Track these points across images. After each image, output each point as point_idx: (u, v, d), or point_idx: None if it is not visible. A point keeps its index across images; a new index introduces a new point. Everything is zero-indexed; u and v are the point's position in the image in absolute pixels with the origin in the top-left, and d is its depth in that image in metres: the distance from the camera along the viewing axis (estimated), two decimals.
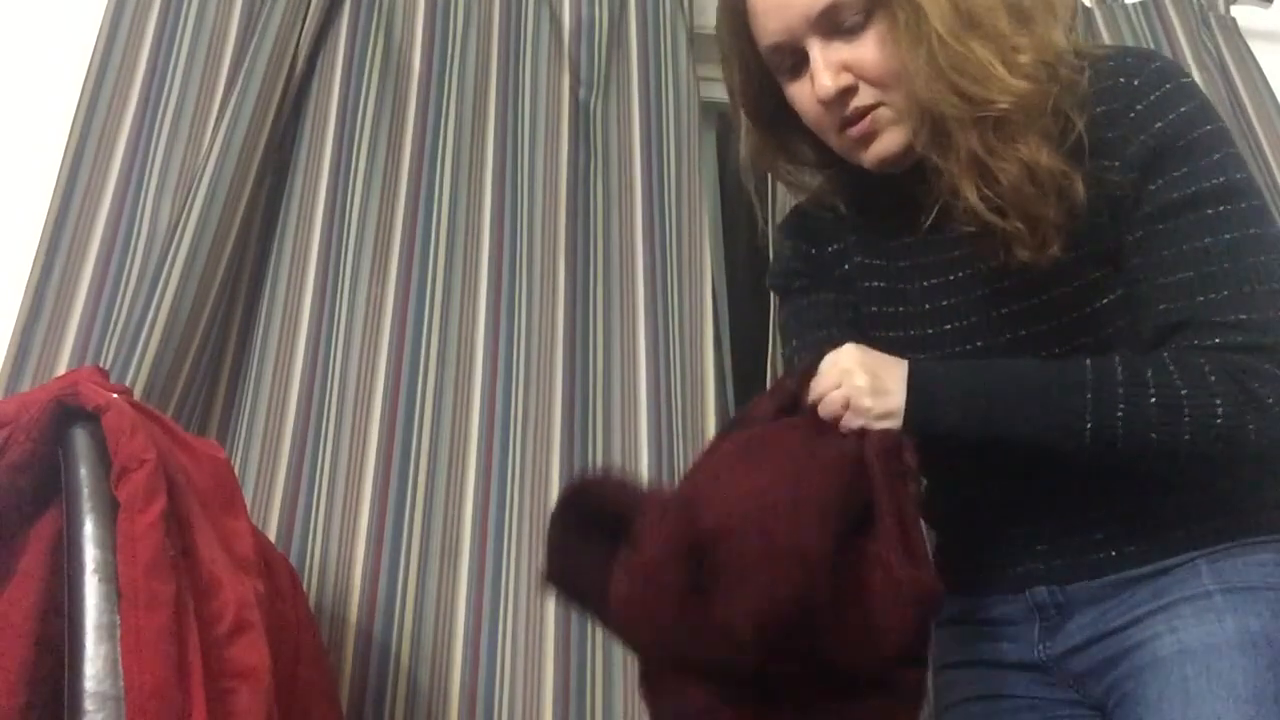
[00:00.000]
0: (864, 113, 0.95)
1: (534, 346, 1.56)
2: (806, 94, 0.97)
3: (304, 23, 1.68)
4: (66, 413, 0.92)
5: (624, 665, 1.39)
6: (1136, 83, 0.93)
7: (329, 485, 1.44)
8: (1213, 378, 0.86)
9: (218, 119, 1.59)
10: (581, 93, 1.76)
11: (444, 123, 1.70)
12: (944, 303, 1.02)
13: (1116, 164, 0.92)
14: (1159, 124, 0.91)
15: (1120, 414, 0.87)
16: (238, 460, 1.44)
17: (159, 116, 1.65)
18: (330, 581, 1.39)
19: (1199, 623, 0.91)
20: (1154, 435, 0.87)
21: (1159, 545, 0.96)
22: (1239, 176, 0.92)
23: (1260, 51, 1.96)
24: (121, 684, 0.81)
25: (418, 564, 1.41)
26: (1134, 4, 1.99)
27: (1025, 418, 0.89)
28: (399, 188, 1.64)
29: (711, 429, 1.52)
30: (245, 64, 1.61)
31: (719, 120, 1.96)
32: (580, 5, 1.82)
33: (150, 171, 1.60)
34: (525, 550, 1.43)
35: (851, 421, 0.91)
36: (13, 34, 1.70)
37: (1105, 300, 0.95)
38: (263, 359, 1.52)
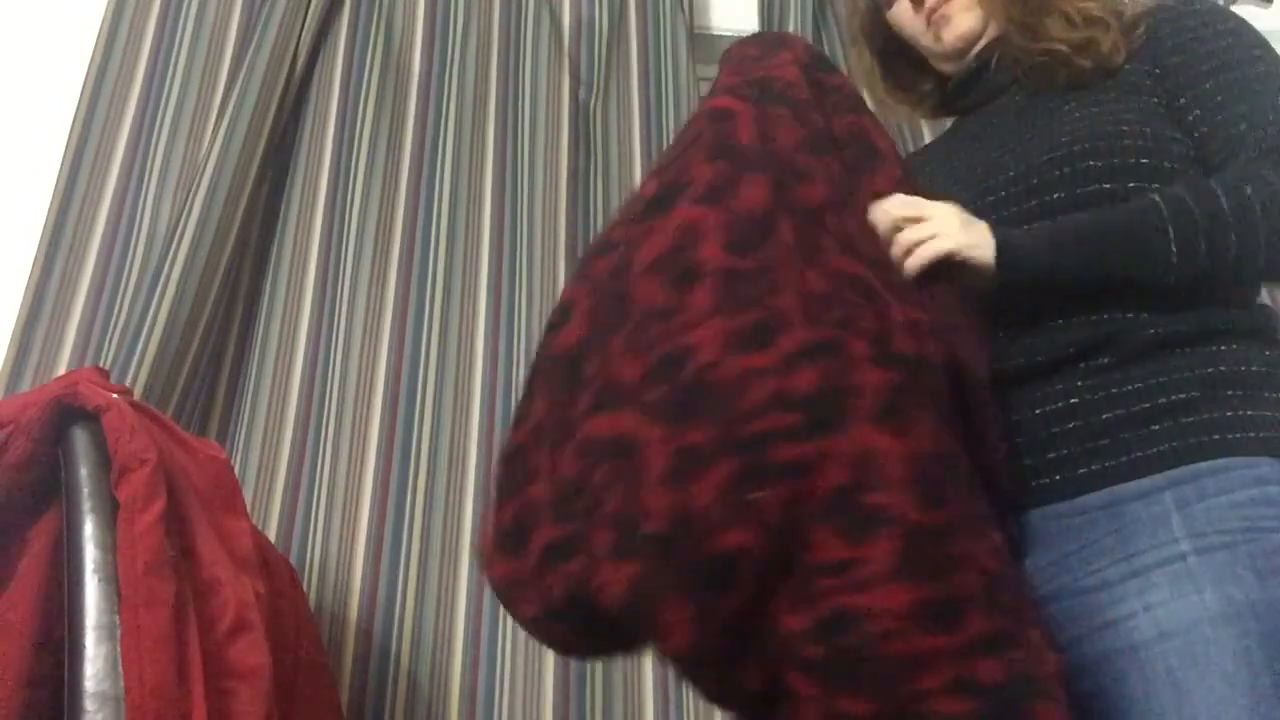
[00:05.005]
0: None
1: (534, 347, 1.55)
2: (902, 9, 1.22)
3: (304, 23, 1.69)
4: (66, 413, 0.92)
5: (623, 665, 1.39)
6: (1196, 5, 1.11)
7: (329, 485, 1.44)
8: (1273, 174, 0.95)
9: (218, 119, 1.59)
10: (581, 93, 1.76)
11: (444, 123, 1.70)
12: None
13: (1167, 44, 1.07)
14: (1209, 22, 1.07)
15: (1198, 220, 0.93)
16: (238, 460, 1.44)
17: (159, 116, 1.65)
18: (330, 581, 1.39)
19: (1176, 595, 0.86)
20: (1232, 234, 0.93)
21: (1113, 466, 0.93)
22: (1268, 53, 1.05)
23: None
24: (121, 684, 0.81)
25: (418, 564, 1.41)
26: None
27: (1112, 250, 0.95)
28: (399, 188, 1.64)
29: None
30: (245, 64, 1.61)
31: None
32: (580, 5, 1.82)
33: (150, 171, 1.61)
34: None
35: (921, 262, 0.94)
36: (13, 34, 1.70)
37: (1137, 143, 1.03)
38: (263, 359, 1.52)
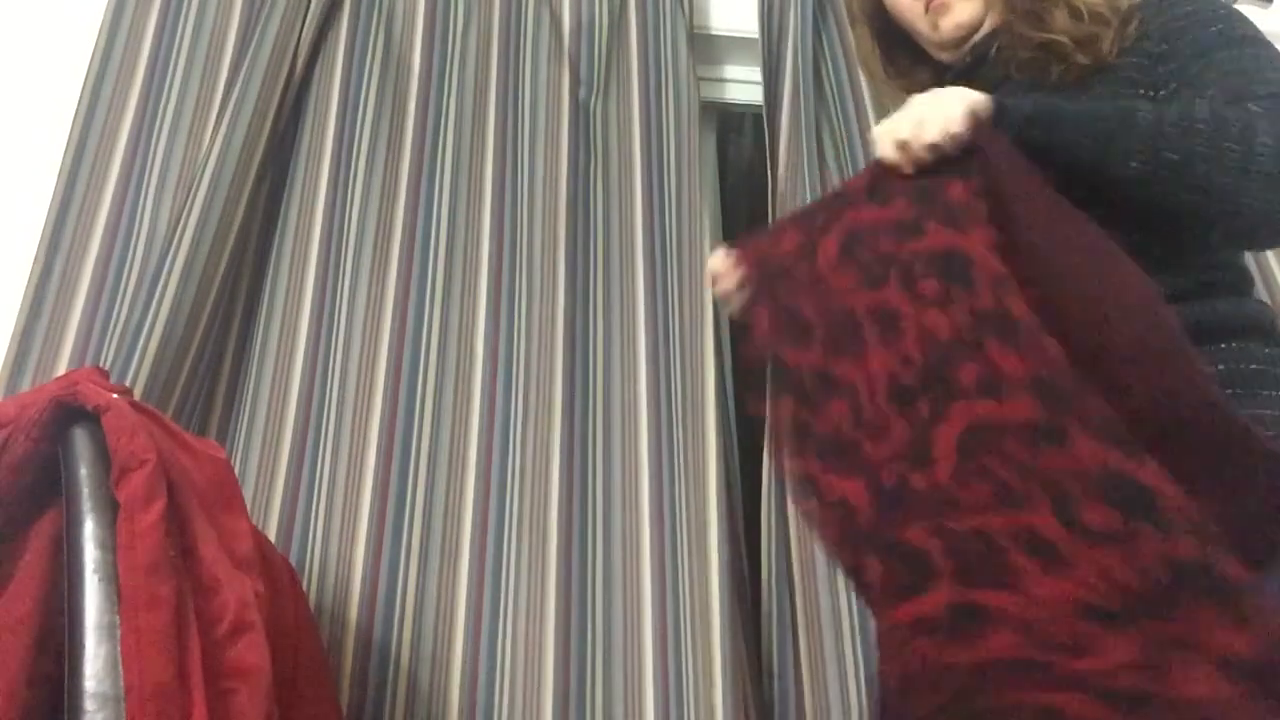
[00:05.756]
0: None
1: (534, 346, 1.56)
2: None
3: (304, 23, 1.69)
4: (66, 413, 0.92)
5: (624, 665, 1.39)
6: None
7: (329, 485, 1.44)
8: (1228, 110, 0.97)
9: (218, 119, 1.59)
10: (581, 93, 1.76)
11: (444, 123, 1.70)
12: None
13: (1156, 35, 1.09)
14: (1197, 10, 1.09)
15: (1145, 125, 0.96)
16: (238, 460, 1.44)
17: (159, 116, 1.65)
18: (330, 581, 1.39)
19: None
20: (1171, 151, 0.95)
21: None
22: (1260, 36, 1.06)
23: None
24: (121, 684, 0.81)
25: (418, 564, 1.41)
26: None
27: (1083, 133, 0.98)
28: (399, 188, 1.64)
29: (712, 429, 1.52)
30: (245, 64, 1.61)
31: (719, 120, 1.96)
32: (580, 5, 1.82)
33: (150, 171, 1.61)
34: (525, 550, 1.43)
35: (931, 139, 0.97)
36: (13, 34, 1.70)
37: None
38: (263, 359, 1.52)
